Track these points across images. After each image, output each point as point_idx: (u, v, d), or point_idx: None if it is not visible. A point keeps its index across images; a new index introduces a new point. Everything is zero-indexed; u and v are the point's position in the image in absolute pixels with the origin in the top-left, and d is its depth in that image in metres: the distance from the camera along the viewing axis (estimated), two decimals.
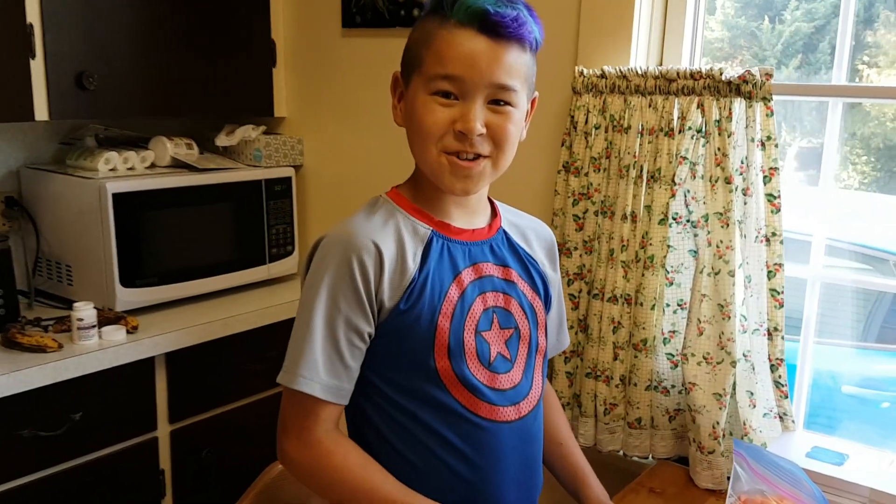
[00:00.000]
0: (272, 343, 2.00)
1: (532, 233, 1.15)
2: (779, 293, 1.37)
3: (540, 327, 1.11)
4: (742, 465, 1.17)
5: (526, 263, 1.12)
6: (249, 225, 2.06)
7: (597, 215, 1.53)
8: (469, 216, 1.07)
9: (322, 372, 0.97)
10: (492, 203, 1.13)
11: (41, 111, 1.71)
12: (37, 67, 1.69)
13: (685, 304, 1.46)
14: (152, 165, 1.99)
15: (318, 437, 0.99)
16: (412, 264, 1.01)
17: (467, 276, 1.04)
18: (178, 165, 2.01)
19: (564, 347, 1.27)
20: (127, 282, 1.81)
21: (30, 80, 1.68)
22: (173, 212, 1.90)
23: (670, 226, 1.42)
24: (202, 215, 1.97)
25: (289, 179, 2.13)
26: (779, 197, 1.35)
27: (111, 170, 1.87)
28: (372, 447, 1.03)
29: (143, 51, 1.87)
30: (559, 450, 1.20)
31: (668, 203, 1.42)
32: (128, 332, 1.72)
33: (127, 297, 1.81)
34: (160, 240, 1.88)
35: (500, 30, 0.94)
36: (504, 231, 1.11)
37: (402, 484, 0.98)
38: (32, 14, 1.67)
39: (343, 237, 1.00)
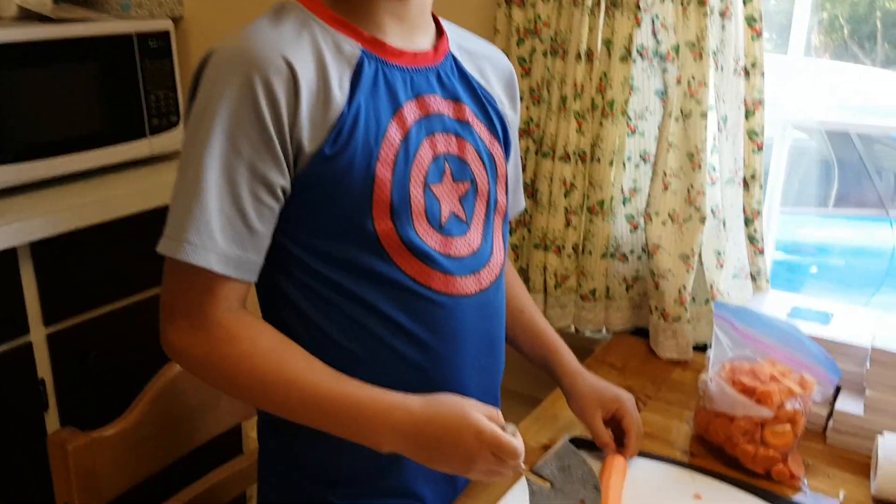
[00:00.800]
0: (159, 230, 1.71)
1: (487, 62, 0.91)
2: (757, 135, 1.19)
3: (500, 180, 0.90)
4: (725, 328, 1.01)
5: (482, 99, 0.88)
6: (122, 90, 1.71)
7: (546, 56, 1.29)
8: (408, 33, 0.82)
9: (219, 237, 0.72)
10: (436, 20, 0.87)
11: None
12: None
13: (649, 156, 1.27)
14: None
15: (216, 319, 0.75)
16: (338, 93, 0.75)
17: (410, 112, 0.80)
18: (28, 17, 1.63)
19: (520, 210, 1.06)
20: None
21: None
22: (24, 72, 1.54)
23: (634, 62, 1.21)
24: (62, 77, 1.61)
25: (166, 35, 1.77)
26: (759, 21, 1.15)
27: None
28: (298, 337, 0.80)
29: None
30: (521, 317, 1.01)
31: (631, 35, 1.19)
32: None
33: None
34: (11, 107, 1.52)
35: None
36: (453, 57, 0.86)
37: (334, 369, 0.76)
38: None
39: (241, 51, 0.74)
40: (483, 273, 0.85)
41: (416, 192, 0.79)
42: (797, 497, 0.93)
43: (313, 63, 0.75)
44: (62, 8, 1.71)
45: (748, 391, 0.95)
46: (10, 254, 1.45)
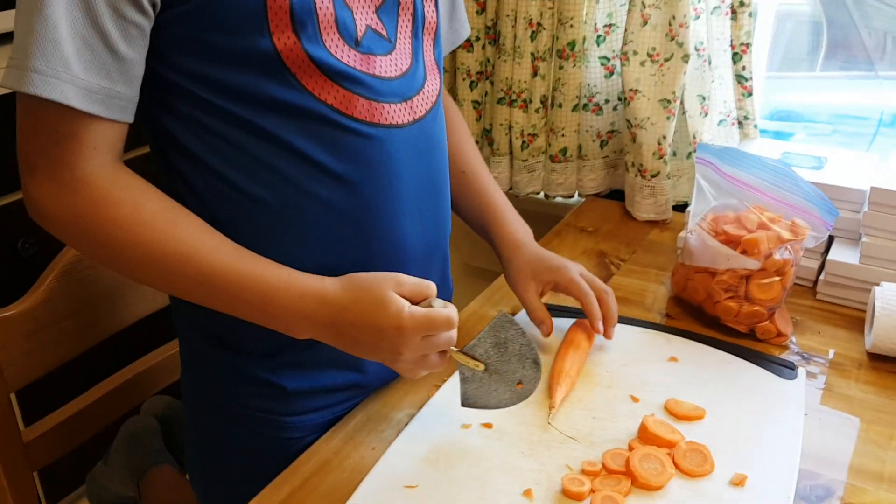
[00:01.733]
0: None
1: None
2: None
3: (439, 10, 0.74)
4: (709, 175, 0.89)
5: None
6: None
7: None
8: None
9: (76, 65, 0.58)
10: None
11: None
12: None
13: None
14: None
15: (84, 176, 0.61)
16: None
17: None
18: None
19: (461, 40, 0.91)
20: None
21: None
22: None
23: None
24: None
25: None
26: None
27: None
28: (194, 188, 0.67)
29: None
30: (461, 178, 0.87)
31: None
32: None
33: None
34: None
35: None
36: None
37: (236, 243, 0.64)
38: None
39: None
40: (417, 100, 0.71)
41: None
42: (785, 355, 0.84)
43: None
44: None
45: (732, 241, 0.84)
46: None
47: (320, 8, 0.63)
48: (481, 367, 0.70)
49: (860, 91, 2.89)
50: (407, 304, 0.62)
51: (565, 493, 0.65)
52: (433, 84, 0.73)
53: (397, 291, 0.62)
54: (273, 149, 0.64)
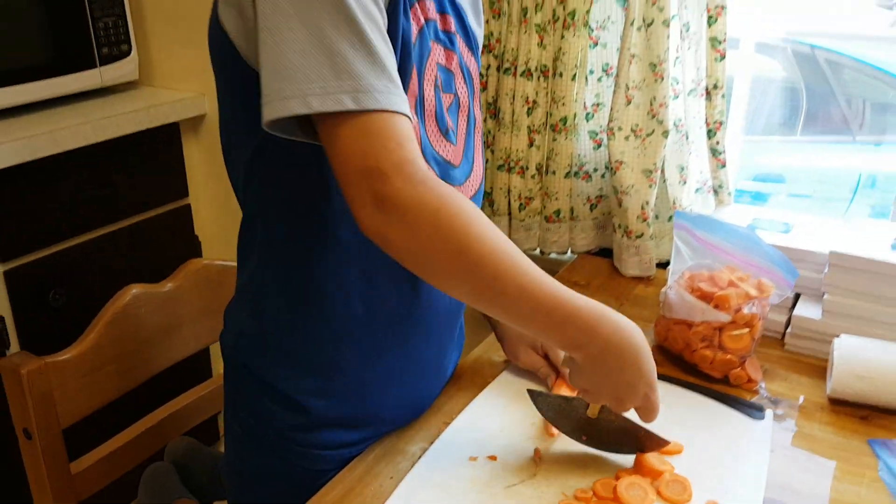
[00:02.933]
0: (116, 165, 1.66)
1: None
2: (720, 42, 1.16)
3: (476, 97, 0.88)
4: (685, 238, 1.01)
5: (459, 12, 0.85)
6: (68, 17, 1.63)
7: None
8: None
9: (386, 79, 0.64)
10: None
11: None
12: None
13: (611, 68, 1.25)
14: None
15: (426, 170, 0.66)
16: None
17: (419, 14, 0.77)
18: None
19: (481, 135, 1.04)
20: None
21: None
22: None
23: None
24: (4, 3, 1.53)
25: None
26: None
27: None
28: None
29: None
30: None
31: None
32: None
33: None
34: None
35: None
36: None
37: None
38: None
39: None
40: (468, 184, 0.83)
41: (429, 92, 0.76)
42: (755, 399, 0.95)
43: None
44: None
45: (706, 297, 0.95)
46: None
47: (427, 98, 0.76)
48: (594, 412, 0.81)
49: (839, 155, 3.05)
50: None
51: None
52: (478, 173, 0.86)
53: None
54: None
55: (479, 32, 0.92)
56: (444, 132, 0.79)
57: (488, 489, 0.78)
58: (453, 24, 0.84)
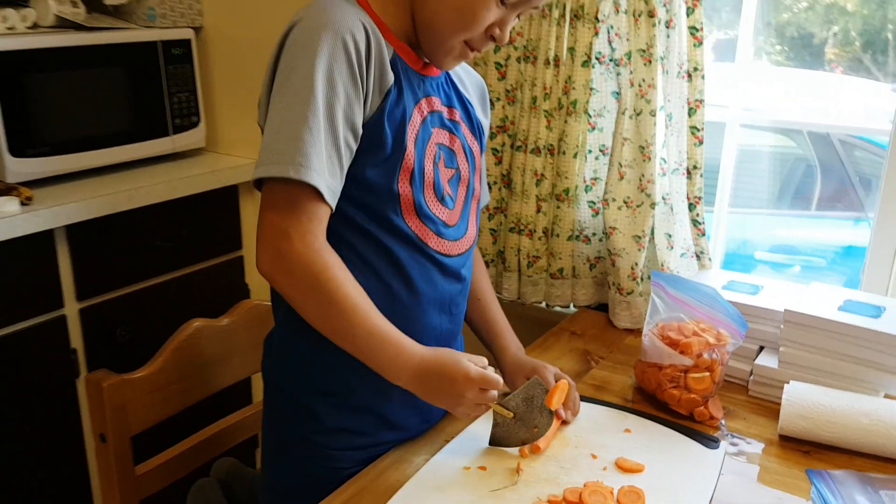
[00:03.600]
0: (181, 220, 1.91)
1: (465, 75, 1.13)
2: (698, 130, 1.36)
3: (476, 172, 1.09)
4: (660, 294, 1.18)
5: (466, 105, 1.08)
6: (147, 93, 1.91)
7: (519, 62, 1.47)
8: (421, 53, 1.01)
9: (325, 169, 0.87)
10: None
11: None
12: None
13: (607, 149, 1.45)
14: (35, 25, 1.80)
15: (321, 244, 0.88)
16: (390, 70, 0.94)
17: (424, 105, 0.99)
18: (64, 25, 1.83)
19: (486, 203, 1.23)
20: (16, 151, 1.66)
21: None
22: (62, 75, 1.74)
23: (593, 67, 1.38)
24: (94, 80, 1.81)
25: (188, 42, 1.98)
26: (701, 30, 1.32)
27: None
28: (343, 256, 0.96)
29: None
30: (477, 305, 1.20)
31: (590, 43, 1.37)
32: (21, 203, 1.59)
33: (18, 168, 1.67)
34: (50, 105, 1.72)
35: None
36: (445, 73, 1.05)
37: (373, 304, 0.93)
38: None
39: (328, 16, 0.89)
40: (461, 242, 1.04)
41: (429, 167, 0.98)
42: (716, 434, 1.10)
43: (374, 38, 0.91)
44: (95, 17, 1.92)
45: (673, 344, 1.12)
46: (47, 235, 1.65)
47: (426, 172, 0.97)
48: (510, 415, 0.99)
49: (853, 230, 3.17)
50: (473, 365, 0.92)
51: None
52: (471, 233, 1.07)
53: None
54: (374, 247, 0.96)
55: (485, 122, 1.14)
56: (441, 198, 1.00)
57: (476, 491, 0.95)
58: (459, 115, 1.06)
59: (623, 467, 1.00)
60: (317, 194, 0.87)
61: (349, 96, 0.89)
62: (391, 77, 0.93)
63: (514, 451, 1.03)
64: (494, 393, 0.95)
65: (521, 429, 1.02)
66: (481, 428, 1.08)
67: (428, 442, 1.07)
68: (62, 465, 1.77)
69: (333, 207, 0.90)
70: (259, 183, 0.90)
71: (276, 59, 0.92)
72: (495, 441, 1.03)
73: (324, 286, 0.88)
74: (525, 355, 1.16)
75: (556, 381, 1.09)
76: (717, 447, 1.06)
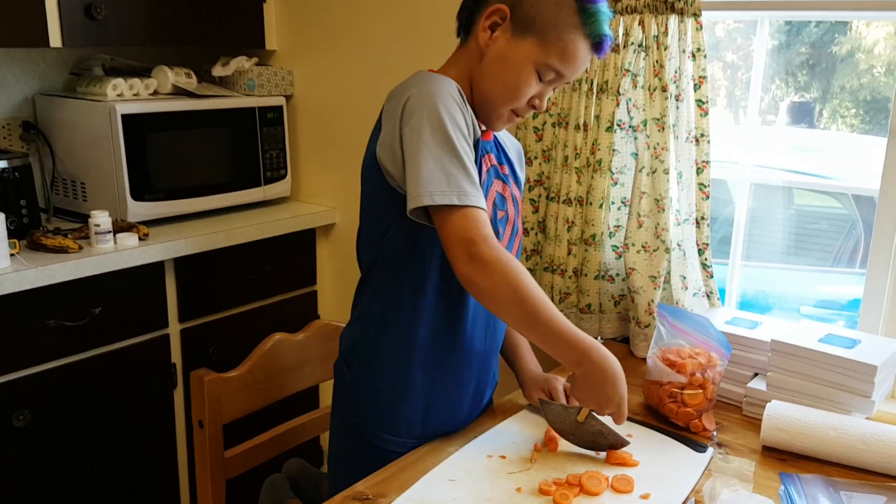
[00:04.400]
0: (267, 257, 2.22)
1: (507, 139, 1.38)
2: (705, 186, 1.58)
3: (519, 216, 1.34)
4: (664, 323, 1.39)
5: (511, 163, 1.34)
6: (245, 149, 2.25)
7: (554, 127, 1.73)
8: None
9: (473, 188, 1.08)
10: None
11: (55, 38, 1.89)
12: None
13: (627, 201, 1.67)
14: (155, 92, 2.17)
15: (498, 243, 1.08)
16: (476, 129, 1.19)
17: (486, 161, 1.25)
18: (179, 93, 2.20)
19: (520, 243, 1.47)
20: (137, 196, 2.01)
21: (44, 10, 1.86)
22: (176, 134, 2.10)
23: (615, 132, 1.63)
24: (202, 138, 2.16)
25: (280, 108, 2.32)
26: (707, 102, 1.55)
27: (118, 95, 2.06)
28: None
29: None
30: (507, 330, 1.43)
31: (613, 112, 1.62)
32: (140, 238, 1.93)
33: (137, 210, 2.02)
34: (165, 159, 2.07)
35: (601, 52, 1.20)
36: (495, 137, 1.32)
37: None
38: None
39: (437, 85, 1.12)
40: None
41: (489, 207, 1.23)
42: (709, 444, 1.29)
43: (465, 98, 1.17)
44: (204, 86, 2.29)
45: (671, 364, 1.33)
46: (159, 266, 1.98)
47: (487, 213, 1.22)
48: (582, 416, 1.20)
49: None
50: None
51: (540, 490, 1.12)
52: None
53: None
54: (440, 271, 1.19)
55: (521, 176, 1.39)
56: (496, 232, 1.24)
57: (495, 473, 1.17)
58: (507, 170, 1.32)
59: (619, 459, 1.20)
60: (477, 208, 1.08)
61: (465, 132, 1.12)
62: (478, 131, 1.19)
63: (530, 444, 1.24)
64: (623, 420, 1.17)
65: (574, 431, 1.23)
66: (503, 430, 1.31)
67: (462, 436, 1.30)
68: (156, 463, 2.07)
69: (488, 210, 1.12)
70: (422, 211, 1.09)
71: (400, 124, 1.11)
72: (570, 437, 1.23)
73: (520, 278, 1.07)
74: (540, 371, 1.38)
75: (562, 391, 1.31)
76: (704, 451, 1.25)
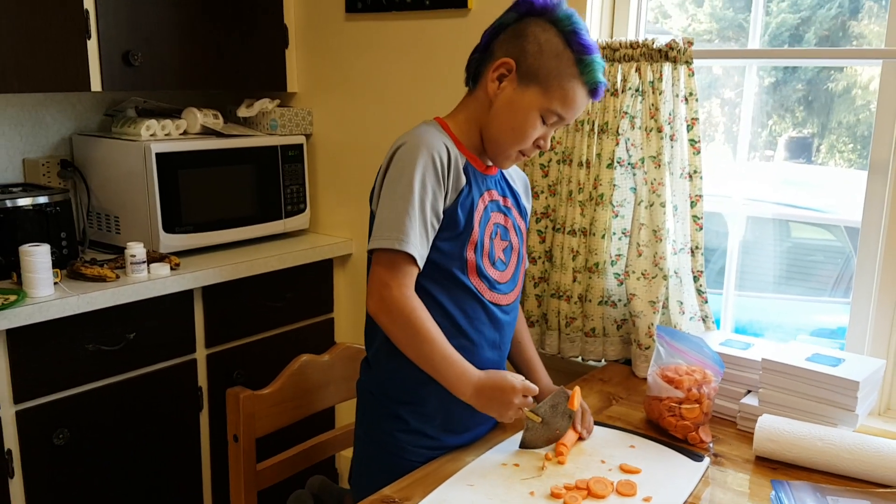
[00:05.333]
0: (287, 286, 2.35)
1: (514, 173, 1.52)
2: (699, 218, 1.71)
3: (524, 244, 1.47)
4: (662, 343, 1.51)
5: (515, 195, 1.47)
6: (268, 185, 2.40)
7: (559, 164, 1.87)
8: (485, 158, 1.41)
9: (418, 241, 1.25)
10: None
11: (95, 83, 2.04)
12: (92, 46, 2.02)
13: (628, 232, 1.80)
14: (185, 132, 2.32)
15: (412, 293, 1.27)
16: (463, 175, 1.33)
17: (486, 197, 1.39)
18: (207, 133, 2.35)
19: (525, 268, 1.60)
20: (168, 228, 2.15)
21: (86, 57, 2.01)
22: (204, 171, 2.24)
23: (615, 168, 1.76)
24: (228, 175, 2.31)
25: (300, 146, 2.47)
26: (699, 142, 1.69)
27: (151, 135, 2.20)
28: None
29: (177, 34, 2.20)
30: (517, 347, 1.56)
31: (613, 150, 1.76)
32: (171, 268, 2.06)
33: (168, 242, 2.15)
34: (194, 194, 2.21)
35: (597, 96, 1.34)
36: (501, 171, 1.45)
37: (447, 341, 1.29)
38: (88, 1, 2.00)
39: (424, 141, 1.28)
40: (509, 295, 1.41)
41: (487, 241, 1.36)
42: (705, 455, 1.40)
43: (452, 155, 1.31)
44: (230, 126, 2.44)
45: (670, 381, 1.44)
46: (188, 294, 2.10)
47: (485, 244, 1.35)
48: (538, 419, 1.33)
49: None
50: (516, 378, 1.27)
51: (552, 494, 1.24)
52: (517, 291, 1.44)
53: None
54: (446, 296, 1.33)
55: (528, 206, 1.52)
56: (493, 262, 1.37)
57: (509, 479, 1.29)
58: (510, 202, 1.45)
59: (624, 468, 1.32)
60: (411, 259, 1.26)
61: (435, 194, 1.28)
62: (464, 180, 1.33)
63: (542, 451, 1.36)
64: (531, 399, 1.29)
65: (546, 431, 1.35)
66: (517, 438, 1.42)
67: (477, 447, 1.42)
68: (183, 480, 2.17)
69: (421, 268, 1.28)
70: (371, 252, 1.29)
71: (387, 167, 1.31)
72: (525, 444, 1.36)
73: (413, 322, 1.26)
74: (552, 383, 1.50)
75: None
76: (701, 461, 1.36)
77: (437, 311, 1.33)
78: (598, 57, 1.31)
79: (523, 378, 1.30)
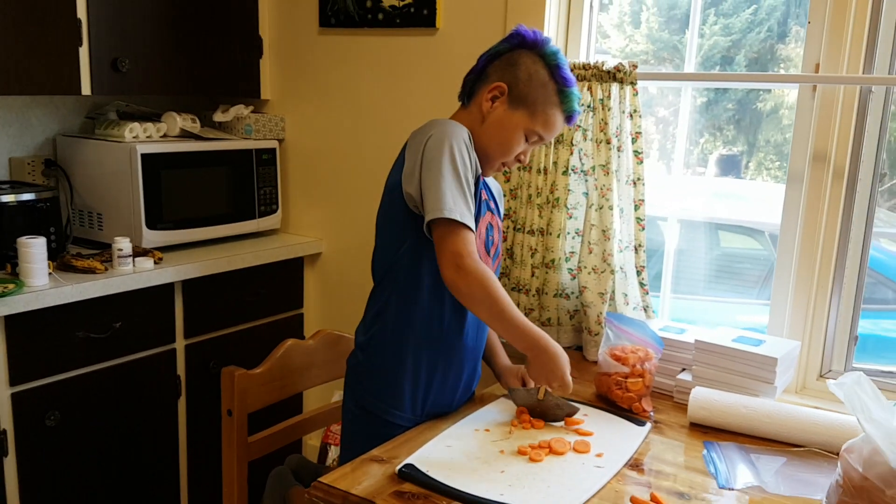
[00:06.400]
0: (261, 282, 2.50)
1: (491, 181, 1.72)
2: (642, 220, 1.94)
3: (501, 240, 1.67)
4: (612, 328, 1.73)
5: (495, 199, 1.67)
6: (242, 186, 2.54)
7: (520, 170, 2.08)
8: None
9: (470, 213, 1.40)
10: None
11: (86, 87, 2.16)
12: (83, 53, 2.14)
13: (580, 232, 2.03)
14: (164, 135, 2.45)
15: (479, 259, 1.39)
16: (478, 167, 1.51)
17: (481, 196, 1.57)
18: (185, 136, 2.48)
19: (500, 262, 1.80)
20: (151, 225, 2.27)
21: (78, 63, 2.13)
22: (184, 171, 2.37)
23: (570, 175, 1.99)
24: (206, 176, 2.44)
25: (274, 150, 2.62)
26: (642, 153, 1.93)
27: (134, 137, 2.33)
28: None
29: (161, 44, 2.34)
30: None
31: (568, 159, 1.98)
32: (154, 262, 2.19)
33: (151, 237, 2.28)
34: (175, 193, 2.34)
35: (571, 122, 1.55)
36: (484, 179, 1.65)
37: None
38: (81, 11, 2.12)
39: (453, 128, 1.44)
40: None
41: (482, 231, 1.55)
42: (647, 421, 1.62)
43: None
44: (207, 130, 2.57)
45: (617, 358, 1.66)
46: (169, 287, 2.23)
47: (480, 234, 1.53)
48: (542, 397, 1.52)
49: None
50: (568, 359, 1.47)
51: (519, 451, 1.43)
52: (497, 272, 1.63)
53: None
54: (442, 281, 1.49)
55: (502, 209, 1.73)
56: (488, 253, 1.57)
57: (482, 441, 1.48)
58: (493, 204, 1.65)
59: (579, 431, 1.52)
60: (470, 229, 1.41)
61: (469, 168, 1.44)
62: (479, 170, 1.51)
63: (507, 424, 1.55)
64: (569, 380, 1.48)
65: (535, 404, 1.54)
66: (485, 412, 1.61)
67: (452, 417, 1.60)
68: (161, 460, 2.29)
69: (475, 231, 1.43)
70: (430, 223, 1.39)
71: (422, 151, 1.42)
72: (514, 398, 1.58)
73: (489, 287, 1.38)
74: (510, 363, 1.71)
75: (522, 379, 1.64)
76: (643, 426, 1.58)
77: (434, 297, 1.51)
78: (576, 90, 1.53)
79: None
